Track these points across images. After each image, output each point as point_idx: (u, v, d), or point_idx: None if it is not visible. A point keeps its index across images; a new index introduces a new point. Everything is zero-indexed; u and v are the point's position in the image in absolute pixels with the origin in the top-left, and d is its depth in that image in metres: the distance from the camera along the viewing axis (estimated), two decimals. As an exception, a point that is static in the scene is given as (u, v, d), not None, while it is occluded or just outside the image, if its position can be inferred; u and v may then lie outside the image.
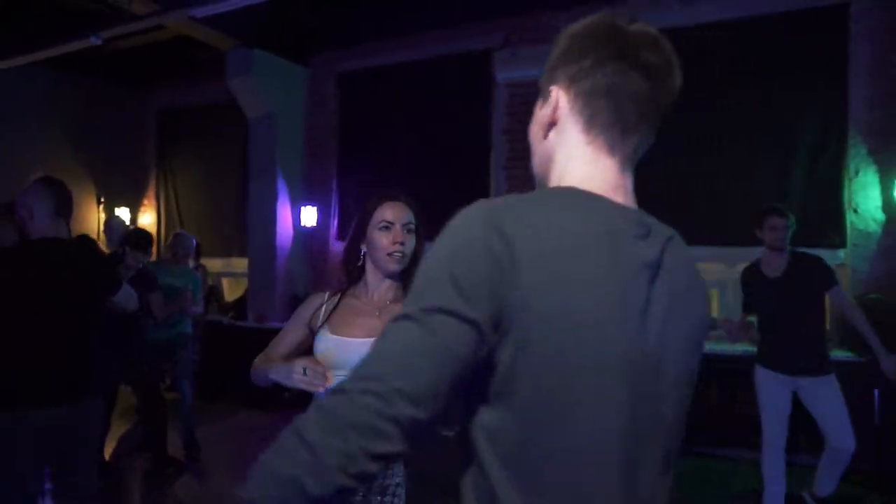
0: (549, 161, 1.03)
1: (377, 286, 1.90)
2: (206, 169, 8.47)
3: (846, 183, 5.16)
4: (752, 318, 3.93)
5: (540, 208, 0.86)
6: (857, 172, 5.14)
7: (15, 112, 7.70)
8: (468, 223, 0.86)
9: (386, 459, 0.76)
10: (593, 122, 0.97)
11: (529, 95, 6.21)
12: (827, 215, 5.20)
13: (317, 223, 7.39)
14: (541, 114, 1.03)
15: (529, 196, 0.89)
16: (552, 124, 1.01)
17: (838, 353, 4.91)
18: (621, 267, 0.85)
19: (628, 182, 0.99)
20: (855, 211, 5.14)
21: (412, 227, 1.89)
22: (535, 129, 1.05)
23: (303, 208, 7.36)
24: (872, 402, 4.47)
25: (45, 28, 6.29)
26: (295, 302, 7.21)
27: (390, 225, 1.86)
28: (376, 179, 6.96)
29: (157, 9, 5.45)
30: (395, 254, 1.85)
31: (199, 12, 5.36)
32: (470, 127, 6.60)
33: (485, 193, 6.51)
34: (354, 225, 1.92)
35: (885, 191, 5.02)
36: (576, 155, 0.98)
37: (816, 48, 5.26)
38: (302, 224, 7.36)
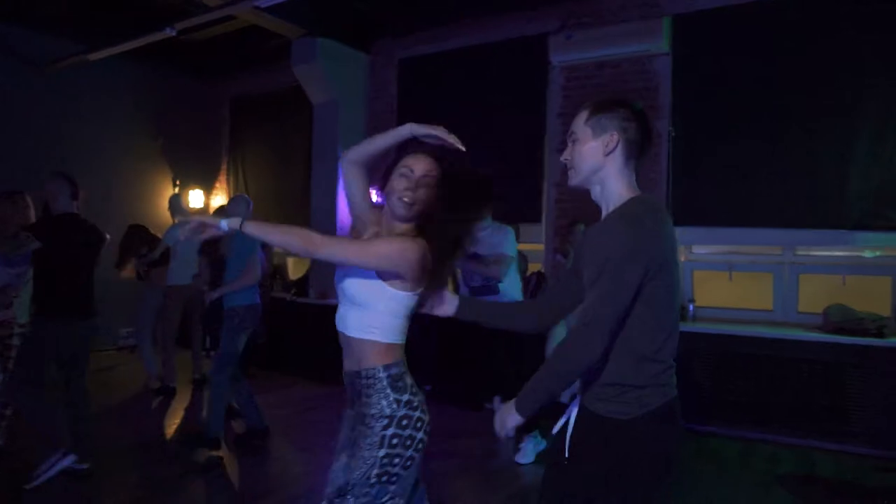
0: (599, 171, 1.83)
1: (389, 227, 2.06)
2: (274, 153, 8.86)
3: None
4: None
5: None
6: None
7: (106, 102, 8.29)
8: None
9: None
10: (630, 157, 1.82)
11: (584, 78, 6.35)
12: (890, 197, 5.05)
13: (376, 204, 7.62)
14: (597, 143, 1.80)
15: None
16: (610, 153, 1.80)
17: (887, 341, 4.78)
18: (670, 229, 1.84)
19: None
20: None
21: (432, 182, 2.01)
22: (591, 149, 1.81)
23: (363, 190, 7.61)
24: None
25: (129, 23, 6.75)
26: (354, 281, 7.49)
27: (410, 173, 2.00)
28: (433, 163, 7.11)
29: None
30: (404, 198, 1.99)
31: (264, 2, 5.65)
32: (525, 110, 6.67)
33: (539, 177, 6.59)
34: (389, 163, 2.10)
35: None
36: (621, 173, 1.83)
37: (884, 24, 5.08)
38: (362, 206, 7.62)
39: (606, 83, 6.22)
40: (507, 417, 1.78)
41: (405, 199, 1.99)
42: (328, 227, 7.39)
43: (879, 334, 4.89)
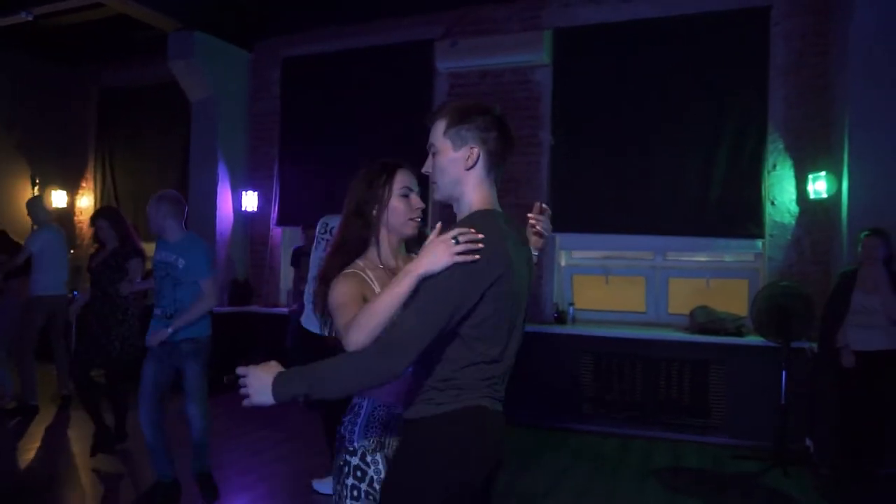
0: (460, 185, 1.69)
1: (391, 251, 1.92)
2: (148, 152, 8.33)
3: (765, 177, 5.43)
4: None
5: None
6: (774, 167, 5.41)
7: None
8: None
9: None
10: (491, 167, 1.69)
11: (469, 85, 6.44)
12: (747, 208, 5.47)
13: (258, 208, 7.39)
14: (458, 156, 1.67)
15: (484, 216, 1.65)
16: (471, 167, 1.66)
17: (751, 339, 5.19)
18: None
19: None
20: (772, 203, 5.41)
21: (418, 193, 1.95)
22: (451, 163, 1.67)
23: (244, 193, 7.35)
24: (779, 385, 4.73)
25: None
26: (234, 287, 7.21)
27: (409, 191, 1.89)
28: (319, 166, 6.99)
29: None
30: (417, 218, 1.91)
31: (135, -9, 5.32)
32: (413, 116, 6.64)
33: (426, 183, 6.60)
34: (361, 194, 1.88)
35: (800, 184, 5.30)
36: (480, 186, 1.69)
37: (739, 48, 5.52)
38: (243, 209, 7.35)
39: (490, 92, 6.35)
40: (261, 392, 1.56)
41: (417, 219, 1.91)
42: (206, 228, 7.03)
43: (738, 333, 5.30)
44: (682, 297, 5.92)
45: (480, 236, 1.52)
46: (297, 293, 6.15)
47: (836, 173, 5.01)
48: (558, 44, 6.09)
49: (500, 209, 1.73)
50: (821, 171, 5.12)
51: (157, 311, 3.73)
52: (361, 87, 6.88)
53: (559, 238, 6.15)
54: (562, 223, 5.68)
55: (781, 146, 5.39)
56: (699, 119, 5.62)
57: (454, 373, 1.63)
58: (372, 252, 1.89)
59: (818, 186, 5.13)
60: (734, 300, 5.70)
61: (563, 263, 6.33)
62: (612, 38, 5.89)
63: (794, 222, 5.36)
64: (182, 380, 3.75)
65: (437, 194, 1.76)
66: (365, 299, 1.75)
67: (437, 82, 6.62)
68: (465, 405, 1.63)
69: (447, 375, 1.63)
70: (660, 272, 6.04)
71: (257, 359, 1.68)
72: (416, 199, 1.89)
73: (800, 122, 5.34)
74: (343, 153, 6.87)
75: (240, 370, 1.61)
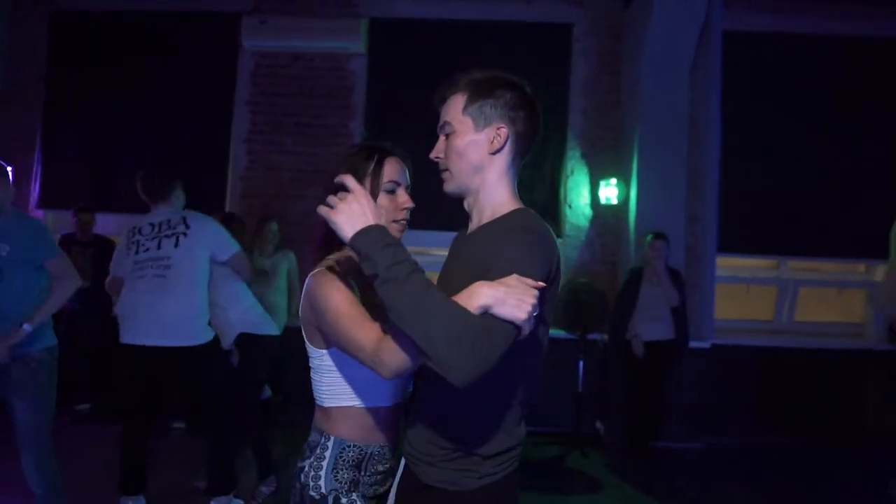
0: (481, 173, 1.44)
1: None
2: None
3: (563, 182, 5.84)
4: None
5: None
6: (572, 172, 5.85)
7: None
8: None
9: None
10: (517, 154, 1.46)
11: (277, 66, 6.06)
12: (547, 210, 5.83)
13: (10, 186, 6.22)
14: (481, 137, 1.43)
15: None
16: (497, 150, 1.43)
17: (553, 332, 5.54)
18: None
19: None
20: (569, 206, 5.84)
21: (409, 189, 1.65)
22: (472, 145, 1.43)
23: (-8, 167, 6.15)
24: (577, 374, 5.11)
25: None
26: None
27: (397, 186, 1.60)
28: (96, 142, 6.10)
29: None
30: (403, 220, 1.60)
31: None
32: (211, 93, 6.13)
33: (223, 166, 6.10)
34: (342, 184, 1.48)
35: (594, 189, 5.79)
36: (505, 175, 1.46)
37: (545, 59, 5.88)
38: (-9, 186, 6.14)
39: (299, 76, 6.04)
40: (352, 219, 1.30)
41: (403, 221, 1.60)
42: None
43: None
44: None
45: (541, 285, 1.26)
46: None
47: (625, 181, 5.56)
48: (375, 34, 5.97)
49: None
50: (611, 178, 5.64)
51: None
52: (153, 57, 6.12)
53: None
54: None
55: (578, 154, 5.85)
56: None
57: (505, 438, 1.42)
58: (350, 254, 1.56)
59: (609, 192, 5.64)
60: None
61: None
62: (429, 34, 5.93)
63: (587, 224, 5.84)
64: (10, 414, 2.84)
65: (450, 184, 1.50)
66: None
67: (241, 60, 6.11)
68: (507, 472, 1.44)
69: (496, 442, 1.41)
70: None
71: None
72: (403, 197, 1.61)
73: (594, 132, 5.84)
74: (127, 129, 6.09)
75: (349, 182, 1.32)
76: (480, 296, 1.21)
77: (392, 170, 1.59)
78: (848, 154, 5.79)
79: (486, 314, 1.20)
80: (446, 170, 1.49)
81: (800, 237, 5.79)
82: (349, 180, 1.33)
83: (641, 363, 4.86)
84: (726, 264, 5.86)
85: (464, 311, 1.19)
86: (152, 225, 3.42)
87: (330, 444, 1.54)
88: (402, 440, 1.62)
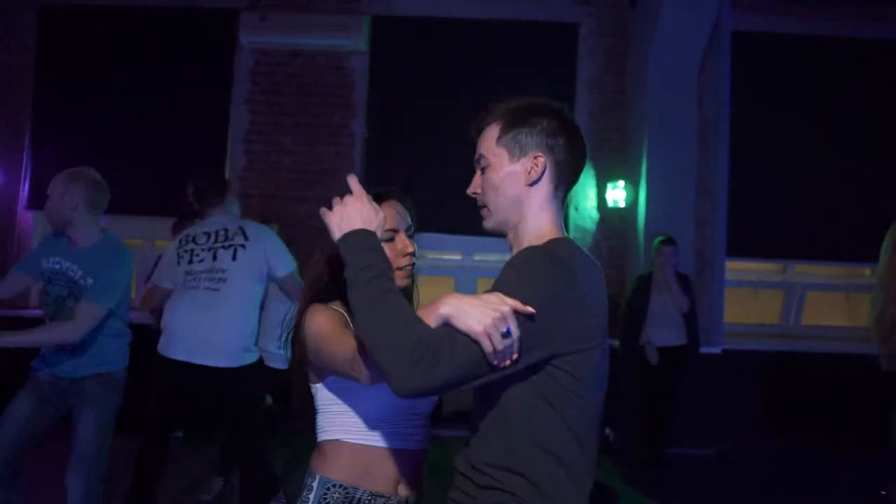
0: (521, 206, 1.34)
1: None
2: None
3: (569, 184, 5.73)
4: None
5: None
6: (578, 175, 5.74)
7: None
8: None
9: None
10: (560, 183, 1.35)
11: (276, 64, 5.91)
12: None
13: (1, 186, 6.02)
14: (517, 168, 1.33)
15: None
16: (535, 181, 1.32)
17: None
18: None
19: None
20: (575, 209, 5.74)
21: (412, 231, 1.56)
22: (508, 178, 1.33)
23: (-21, 166, 5.94)
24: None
25: None
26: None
27: (394, 233, 1.52)
28: (90, 140, 5.90)
29: None
30: (407, 266, 1.52)
31: None
32: (208, 91, 5.96)
33: (221, 166, 5.94)
34: (330, 242, 1.39)
35: (600, 192, 5.70)
36: (547, 207, 1.34)
37: (551, 59, 5.78)
38: (-21, 185, 5.94)
39: (299, 74, 5.90)
40: (344, 221, 1.31)
41: (408, 268, 1.53)
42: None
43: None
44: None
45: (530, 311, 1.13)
46: None
47: (633, 184, 5.47)
48: (376, 31, 5.84)
49: (569, 238, 1.35)
50: (618, 180, 5.55)
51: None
52: (147, 54, 5.93)
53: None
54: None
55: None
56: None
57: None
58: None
59: (616, 195, 5.55)
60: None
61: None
62: (432, 32, 5.81)
63: (594, 228, 5.75)
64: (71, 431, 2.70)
65: (489, 221, 1.39)
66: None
67: (238, 57, 5.95)
68: None
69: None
70: (468, 272, 6.09)
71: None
72: (403, 242, 1.53)
73: (601, 133, 5.74)
74: (120, 127, 5.89)
75: (352, 183, 1.33)
76: (442, 305, 1.14)
77: (388, 217, 1.48)
78: (855, 156, 5.75)
79: (445, 327, 1.13)
80: (484, 206, 1.39)
81: (807, 241, 5.74)
82: (352, 181, 1.32)
83: (653, 369, 4.77)
84: (732, 268, 5.79)
85: (416, 320, 1.14)
86: (207, 234, 3.16)
87: (315, 484, 1.46)
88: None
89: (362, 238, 1.25)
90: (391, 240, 1.51)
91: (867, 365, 5.47)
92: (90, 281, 2.63)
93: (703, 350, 5.03)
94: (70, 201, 2.64)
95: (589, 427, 1.28)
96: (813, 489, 4.53)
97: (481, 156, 1.38)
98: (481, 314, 1.09)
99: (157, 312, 5.12)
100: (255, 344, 3.23)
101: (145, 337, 3.38)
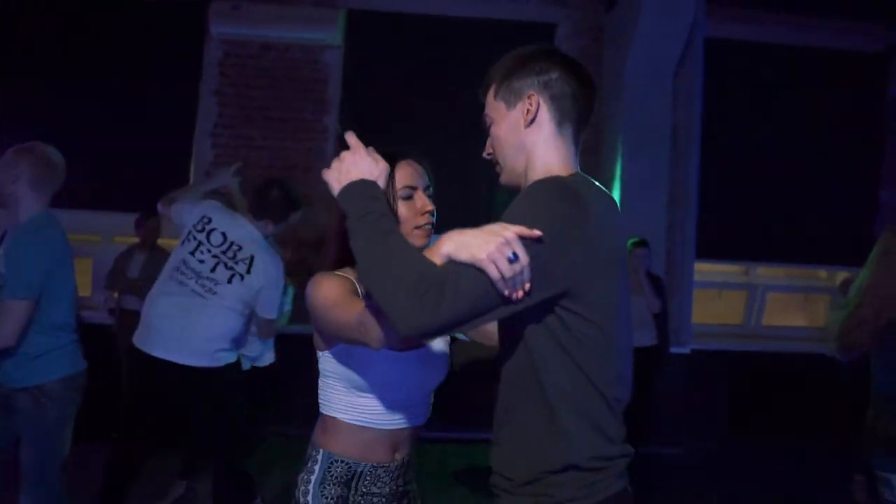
0: (525, 150, 1.31)
1: None
2: None
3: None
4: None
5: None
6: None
7: None
8: None
9: None
10: (563, 118, 1.30)
11: (247, 56, 5.76)
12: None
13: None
14: (514, 114, 1.31)
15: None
16: (532, 122, 1.29)
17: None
18: None
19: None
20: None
21: (431, 191, 1.54)
22: (509, 126, 1.32)
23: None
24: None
25: None
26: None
27: (413, 191, 1.50)
28: (50, 132, 5.58)
29: None
30: (426, 225, 1.49)
31: None
32: (174, 82, 5.78)
33: (186, 161, 5.77)
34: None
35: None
36: (553, 144, 1.30)
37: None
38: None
39: (272, 67, 5.77)
40: (343, 174, 1.29)
41: (427, 227, 1.50)
42: None
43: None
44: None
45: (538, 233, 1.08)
46: None
47: (607, 186, 5.52)
48: (352, 26, 5.74)
49: (582, 174, 1.30)
50: (592, 182, 5.60)
51: None
52: (110, 43, 5.68)
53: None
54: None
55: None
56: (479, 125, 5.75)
57: (586, 448, 1.31)
58: None
59: (589, 197, 5.60)
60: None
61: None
62: (408, 28, 5.75)
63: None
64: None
65: (503, 176, 1.38)
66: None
67: (207, 48, 5.77)
68: (606, 494, 1.30)
69: (574, 453, 1.28)
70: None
71: None
72: (422, 200, 1.51)
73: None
74: (81, 119, 5.64)
75: (349, 138, 1.32)
76: (445, 242, 1.12)
77: (406, 174, 1.51)
78: (815, 164, 5.96)
79: (449, 262, 1.10)
80: (497, 164, 1.39)
81: (770, 244, 5.93)
82: (350, 137, 1.32)
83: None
84: (698, 269, 5.93)
85: (419, 258, 1.11)
86: (224, 236, 2.98)
87: (319, 457, 1.50)
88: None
89: (361, 187, 1.22)
90: (409, 198, 1.50)
91: (823, 365, 5.73)
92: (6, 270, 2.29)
93: (673, 350, 5.15)
94: (12, 175, 2.40)
95: (610, 380, 1.29)
96: (782, 486, 4.69)
97: (486, 115, 1.38)
98: (484, 241, 1.06)
99: (118, 312, 4.97)
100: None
101: (102, 339, 3.24)
